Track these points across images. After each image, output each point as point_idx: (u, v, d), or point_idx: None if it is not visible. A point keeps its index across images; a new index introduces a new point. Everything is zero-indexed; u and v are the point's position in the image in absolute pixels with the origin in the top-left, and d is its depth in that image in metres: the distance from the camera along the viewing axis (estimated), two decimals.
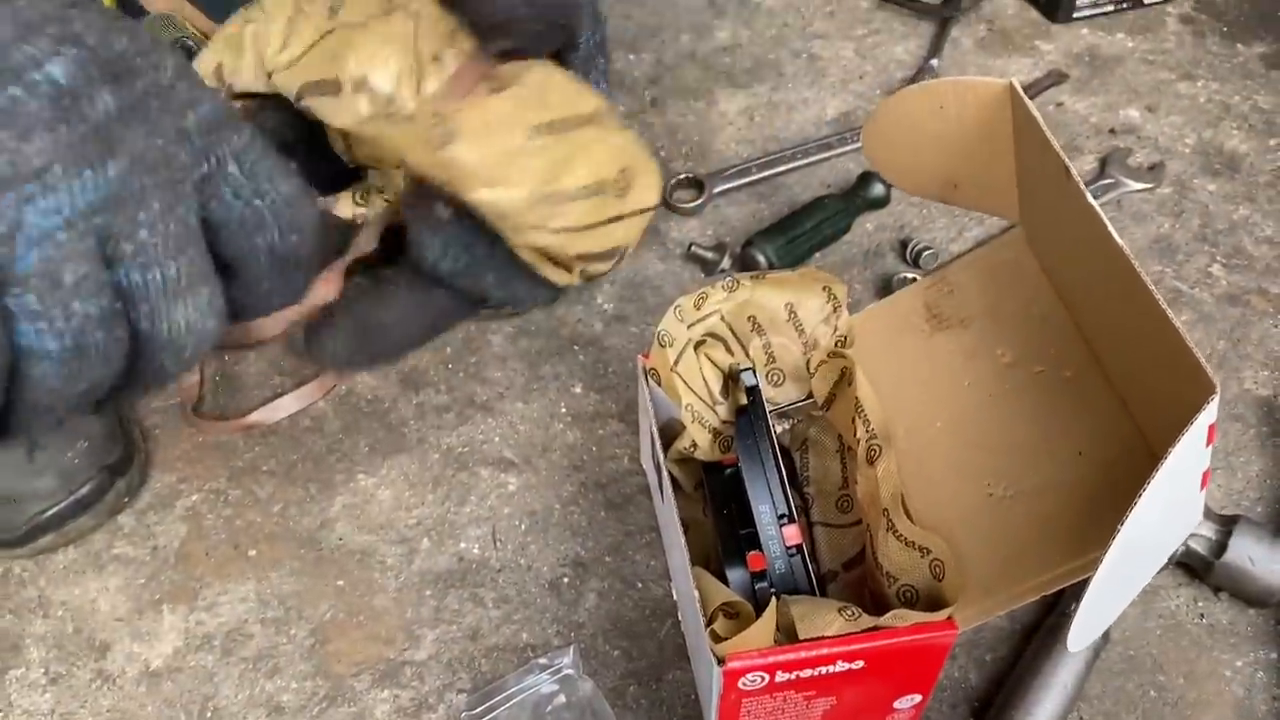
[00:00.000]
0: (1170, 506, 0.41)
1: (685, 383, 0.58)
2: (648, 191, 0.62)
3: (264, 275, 0.36)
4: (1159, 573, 0.62)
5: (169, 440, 0.71)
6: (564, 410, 0.72)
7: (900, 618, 0.47)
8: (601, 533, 0.66)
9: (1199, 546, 0.60)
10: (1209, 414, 0.38)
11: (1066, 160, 0.46)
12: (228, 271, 0.36)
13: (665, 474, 0.56)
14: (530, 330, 0.76)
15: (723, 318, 0.61)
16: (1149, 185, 0.84)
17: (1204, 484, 0.42)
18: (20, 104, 0.29)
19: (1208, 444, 0.40)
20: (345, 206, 0.65)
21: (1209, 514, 0.61)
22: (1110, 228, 0.44)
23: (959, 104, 0.53)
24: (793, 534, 0.52)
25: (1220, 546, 0.60)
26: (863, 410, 0.54)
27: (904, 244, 0.80)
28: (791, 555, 0.52)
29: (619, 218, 0.60)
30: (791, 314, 0.61)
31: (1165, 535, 0.43)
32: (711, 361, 0.60)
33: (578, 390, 0.73)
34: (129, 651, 0.62)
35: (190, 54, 0.68)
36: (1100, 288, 0.47)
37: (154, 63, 0.32)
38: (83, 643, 0.62)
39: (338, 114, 0.57)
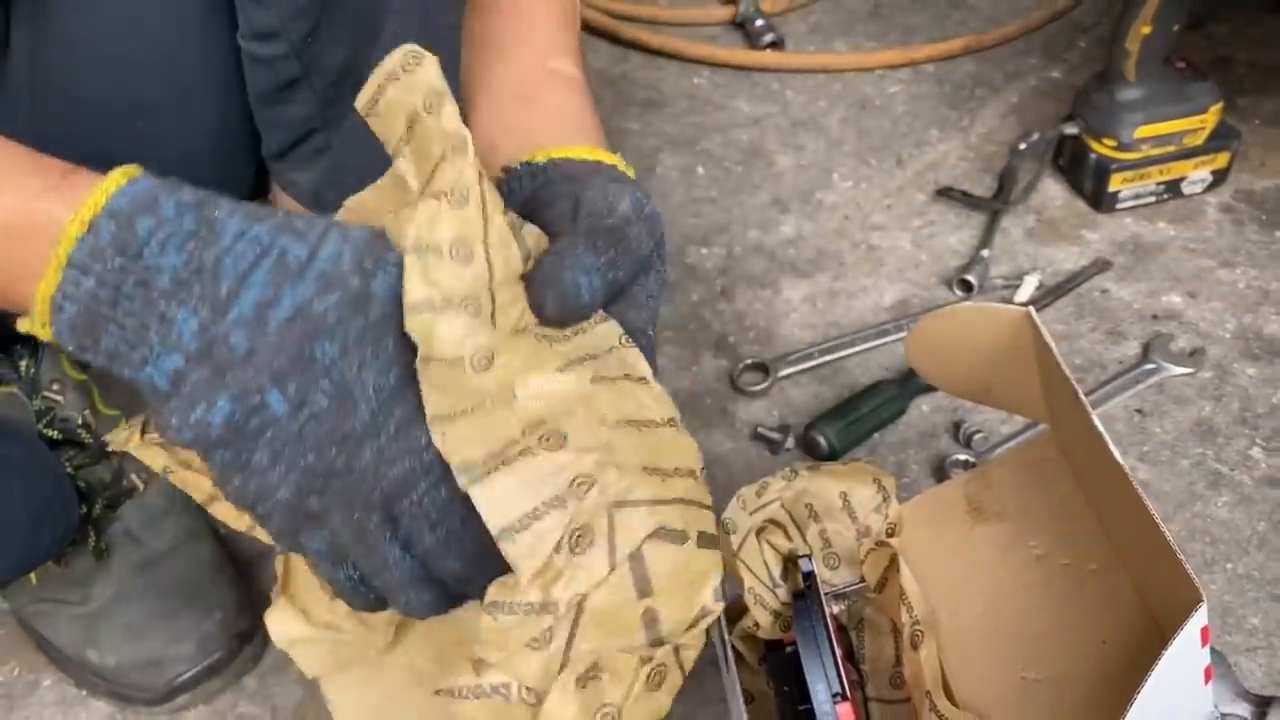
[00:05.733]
0: (1174, 703, 0.46)
1: (748, 567, 0.65)
2: None
3: None
4: None
5: None
6: None
7: None
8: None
9: None
10: (1199, 620, 0.44)
11: (1075, 385, 0.53)
12: None
13: (729, 650, 0.62)
14: None
15: (782, 504, 0.68)
16: (1190, 370, 0.89)
17: (1208, 679, 0.47)
18: None
19: (1203, 645, 0.45)
20: None
21: (1246, 695, 0.65)
22: (1112, 447, 0.50)
23: (986, 324, 0.60)
24: (845, 712, 0.58)
25: None
26: (906, 598, 0.60)
27: (957, 426, 0.87)
28: None
29: None
30: (846, 502, 0.67)
31: None
32: (772, 546, 0.66)
33: None
34: None
35: None
36: (1111, 495, 0.53)
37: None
38: None
39: None
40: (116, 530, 0.73)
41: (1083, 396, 0.52)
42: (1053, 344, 0.55)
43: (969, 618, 0.60)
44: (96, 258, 0.40)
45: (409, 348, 0.41)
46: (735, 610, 0.66)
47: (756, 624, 0.64)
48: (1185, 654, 0.44)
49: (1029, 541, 0.61)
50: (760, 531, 0.67)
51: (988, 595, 0.60)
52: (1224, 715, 0.64)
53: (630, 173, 0.58)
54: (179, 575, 0.73)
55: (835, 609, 0.69)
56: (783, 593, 0.66)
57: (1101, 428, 0.51)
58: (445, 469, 0.40)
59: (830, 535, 0.67)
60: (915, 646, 0.59)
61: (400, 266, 0.42)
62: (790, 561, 0.66)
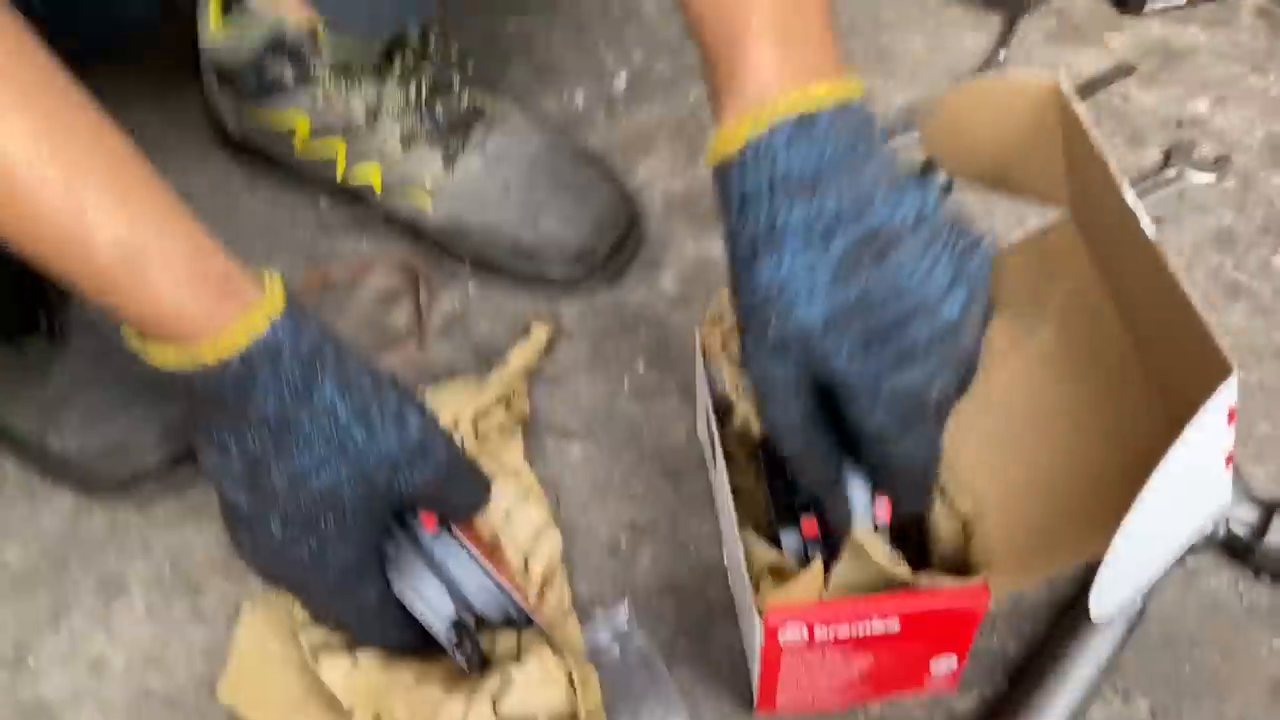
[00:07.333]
0: (1193, 482, 0.43)
1: (733, 360, 0.61)
2: None
3: None
4: (1199, 554, 0.63)
5: None
6: (626, 386, 0.76)
7: (934, 580, 0.49)
8: (658, 500, 0.69)
9: (1240, 530, 0.62)
10: (1228, 392, 0.40)
11: (1105, 156, 0.48)
12: None
13: (717, 441, 0.59)
14: (596, 309, 0.80)
15: None
16: (1213, 177, 0.84)
17: (1228, 464, 0.44)
18: None
19: (1229, 423, 0.42)
20: None
21: (1251, 498, 0.63)
22: (1144, 220, 0.46)
23: (1011, 100, 0.55)
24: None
25: (1261, 529, 0.61)
26: None
27: None
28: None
29: None
30: None
31: (1189, 510, 0.45)
32: None
33: (640, 368, 0.76)
34: (221, 591, 0.67)
35: (283, 43, 0.73)
36: (1136, 278, 0.49)
37: None
38: (179, 582, 0.68)
39: None
40: (75, 315, 0.69)
41: (1114, 168, 0.48)
42: (1084, 113, 0.50)
43: (978, 408, 0.57)
44: (214, 386, 0.49)
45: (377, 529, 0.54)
46: (724, 407, 0.63)
47: (745, 420, 0.61)
48: (1210, 428, 0.41)
49: (1043, 333, 0.57)
50: None
51: (997, 386, 0.57)
52: (1231, 520, 0.62)
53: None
54: (140, 364, 0.69)
55: None
56: None
57: (1134, 201, 0.47)
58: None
59: None
60: None
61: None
62: None
